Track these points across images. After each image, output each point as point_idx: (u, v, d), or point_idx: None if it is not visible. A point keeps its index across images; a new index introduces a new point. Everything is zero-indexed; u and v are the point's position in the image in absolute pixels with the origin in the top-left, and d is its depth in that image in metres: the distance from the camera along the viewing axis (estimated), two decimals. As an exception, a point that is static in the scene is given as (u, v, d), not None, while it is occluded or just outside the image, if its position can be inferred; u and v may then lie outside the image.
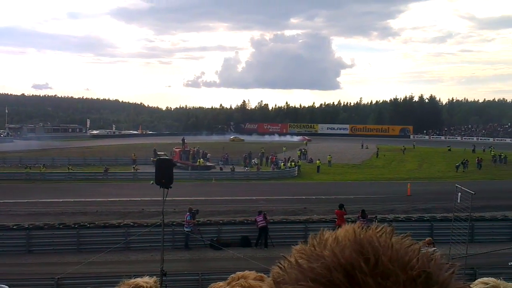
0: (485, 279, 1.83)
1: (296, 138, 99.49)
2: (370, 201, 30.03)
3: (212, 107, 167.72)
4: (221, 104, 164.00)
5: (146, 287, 1.87)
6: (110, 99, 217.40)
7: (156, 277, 1.90)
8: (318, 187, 39.18)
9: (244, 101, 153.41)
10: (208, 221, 21.89)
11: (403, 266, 0.62)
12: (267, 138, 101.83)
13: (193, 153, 53.87)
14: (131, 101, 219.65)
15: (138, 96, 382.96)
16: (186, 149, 54.55)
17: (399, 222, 21.74)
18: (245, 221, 21.80)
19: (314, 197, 32.68)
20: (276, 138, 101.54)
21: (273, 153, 59.49)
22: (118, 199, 31.56)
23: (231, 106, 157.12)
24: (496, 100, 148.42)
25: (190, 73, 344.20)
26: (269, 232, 19.95)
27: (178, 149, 54.09)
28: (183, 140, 58.50)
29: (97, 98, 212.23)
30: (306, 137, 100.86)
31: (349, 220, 20.57)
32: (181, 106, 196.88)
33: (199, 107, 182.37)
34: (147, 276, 1.86)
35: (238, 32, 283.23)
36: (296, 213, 26.24)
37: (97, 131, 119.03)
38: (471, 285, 1.75)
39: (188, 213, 20.14)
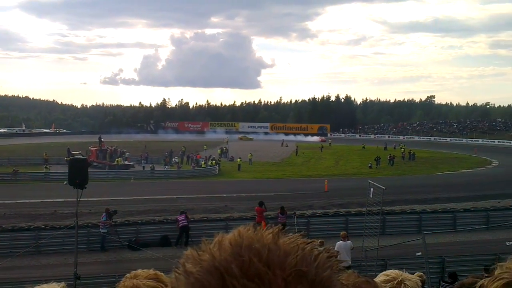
0: (387, 271, 1.92)
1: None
2: (290, 198, 30.65)
3: (131, 105, 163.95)
4: (140, 102, 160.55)
5: (51, 293, 1.74)
6: (20, 95, 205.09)
7: (66, 282, 1.78)
8: (239, 185, 39.41)
9: (164, 99, 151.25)
10: (126, 221, 21.26)
11: (276, 267, 0.61)
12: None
13: (111, 152, 52.15)
14: (42, 98, 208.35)
15: (51, 92, 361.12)
16: (103, 147, 52.74)
17: (317, 217, 22.45)
18: (165, 220, 21.44)
19: (235, 195, 32.82)
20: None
21: (193, 152, 59.06)
22: (28, 200, 29.84)
23: (151, 104, 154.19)
24: (406, 100, 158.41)
25: (107, 70, 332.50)
26: (190, 231, 19.78)
27: (94, 148, 52.28)
28: (99, 138, 56.53)
29: (5, 95, 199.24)
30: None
31: (269, 216, 20.94)
32: (98, 104, 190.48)
33: (117, 105, 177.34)
34: (54, 282, 1.73)
35: (157, 29, 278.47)
36: (217, 211, 26.19)
37: (5, 130, 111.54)
38: (375, 279, 1.82)
39: (104, 214, 19.47)
